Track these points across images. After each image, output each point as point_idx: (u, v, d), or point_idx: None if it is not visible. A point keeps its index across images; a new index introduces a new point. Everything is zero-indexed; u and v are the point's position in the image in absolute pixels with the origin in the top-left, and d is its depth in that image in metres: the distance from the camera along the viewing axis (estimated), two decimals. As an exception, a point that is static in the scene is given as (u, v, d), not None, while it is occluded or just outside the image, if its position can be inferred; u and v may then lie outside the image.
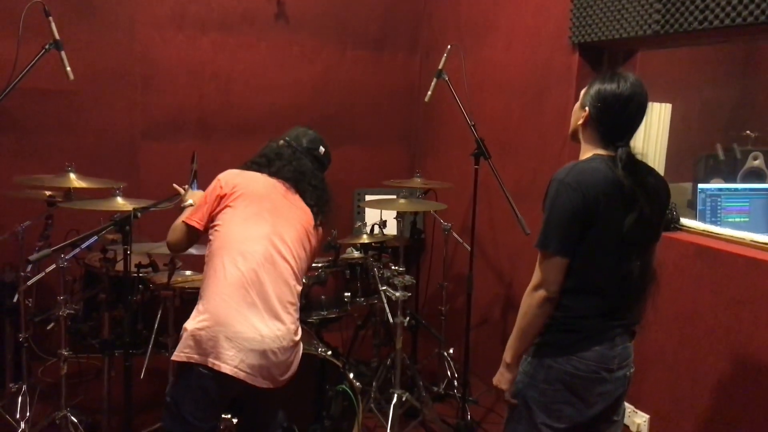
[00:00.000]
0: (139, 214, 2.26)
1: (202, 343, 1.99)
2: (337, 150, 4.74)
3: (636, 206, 1.83)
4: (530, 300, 1.86)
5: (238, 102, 4.30)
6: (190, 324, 2.04)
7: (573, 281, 1.85)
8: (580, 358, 1.89)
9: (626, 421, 2.80)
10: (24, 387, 2.97)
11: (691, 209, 4.16)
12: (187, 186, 2.57)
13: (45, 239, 2.99)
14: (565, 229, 1.81)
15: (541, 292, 1.84)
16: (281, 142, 2.46)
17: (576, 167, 1.86)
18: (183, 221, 2.25)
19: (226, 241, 2.14)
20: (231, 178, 2.30)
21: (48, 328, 2.73)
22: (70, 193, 2.89)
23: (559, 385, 1.90)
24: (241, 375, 1.98)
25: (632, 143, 1.92)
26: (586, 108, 1.91)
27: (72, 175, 2.87)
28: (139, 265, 2.76)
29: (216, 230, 2.18)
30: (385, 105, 4.74)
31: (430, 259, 4.34)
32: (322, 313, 3.01)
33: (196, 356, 1.99)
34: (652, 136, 4.45)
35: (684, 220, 2.78)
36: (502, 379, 1.97)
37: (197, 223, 2.22)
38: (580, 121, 1.94)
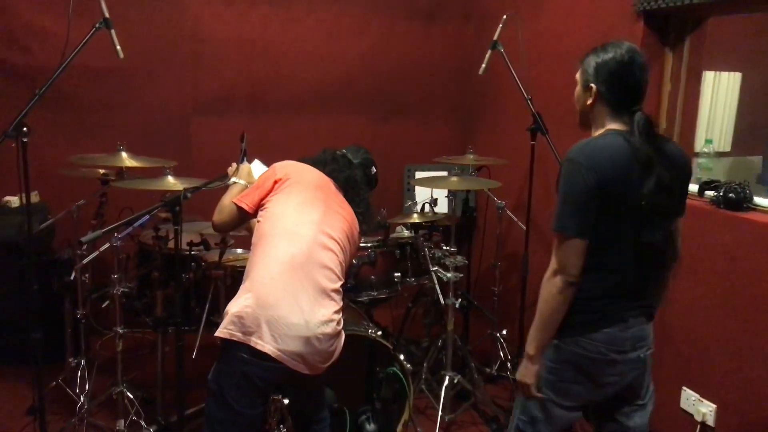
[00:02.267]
0: (189, 195, 2.24)
1: (245, 322, 1.97)
2: (386, 125, 4.76)
3: (653, 171, 1.77)
4: (550, 287, 1.81)
5: (287, 77, 4.25)
6: (234, 305, 2.02)
7: (588, 260, 1.79)
8: (589, 340, 1.86)
9: (691, 409, 2.67)
10: (83, 362, 3.04)
11: (761, 185, 3.92)
12: (234, 164, 2.55)
13: (99, 217, 3.02)
14: (582, 209, 1.76)
15: (561, 278, 1.78)
16: (338, 152, 2.47)
17: (588, 144, 1.83)
18: (233, 202, 2.22)
19: (276, 224, 2.11)
20: (287, 165, 2.31)
21: (103, 306, 2.77)
22: (122, 173, 2.90)
23: (568, 365, 1.89)
24: (283, 358, 1.95)
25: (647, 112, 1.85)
26: (592, 86, 1.87)
27: (124, 154, 2.89)
28: (190, 244, 2.76)
29: (266, 212, 2.16)
30: (436, 78, 4.60)
31: (482, 238, 4.24)
32: (372, 293, 2.97)
33: (239, 334, 1.97)
34: (720, 107, 4.21)
35: (758, 199, 2.59)
36: (527, 372, 1.91)
37: (247, 206, 2.20)
38: (590, 101, 1.89)
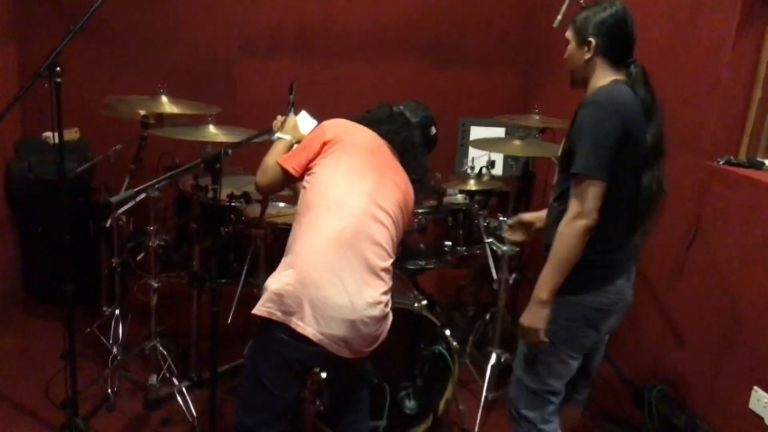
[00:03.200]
0: (230, 152, 2.05)
1: (286, 300, 1.80)
2: (443, 73, 4.46)
3: (653, 117, 1.92)
4: (571, 230, 1.83)
5: (340, 17, 3.98)
6: (273, 281, 1.84)
7: (602, 210, 1.83)
8: (605, 293, 1.95)
9: (762, 412, 2.44)
10: (117, 312, 2.96)
11: None
12: (280, 116, 2.33)
13: (138, 162, 2.87)
14: (608, 152, 1.81)
15: (584, 221, 1.82)
16: (395, 108, 2.21)
17: (606, 90, 1.90)
18: (278, 162, 2.02)
19: (324, 192, 1.91)
20: (337, 125, 2.07)
21: (138, 258, 2.65)
22: (162, 118, 2.72)
23: (582, 321, 1.95)
24: (325, 342, 1.78)
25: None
26: (590, 40, 1.94)
27: (164, 99, 2.69)
28: (231, 196, 2.59)
29: (313, 178, 1.95)
30: (499, 25, 4.25)
31: (542, 205, 3.97)
32: (420, 262, 2.78)
33: (278, 313, 1.80)
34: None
35: None
36: (537, 318, 1.91)
37: (293, 169, 1.99)
38: (587, 56, 1.96)
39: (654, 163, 1.94)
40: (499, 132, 4.11)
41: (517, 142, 2.96)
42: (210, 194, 2.08)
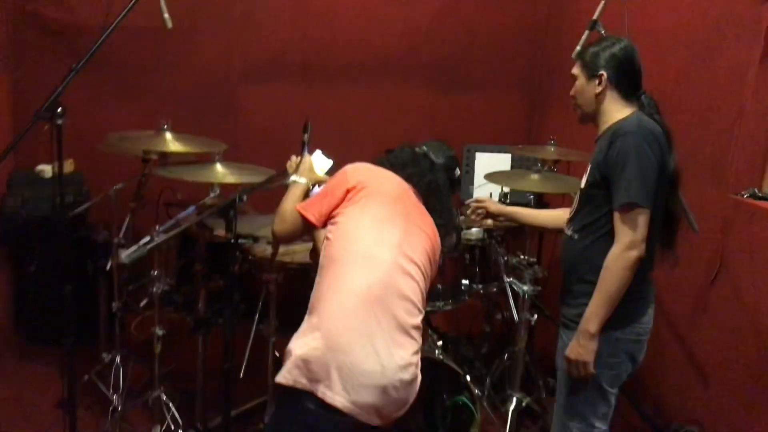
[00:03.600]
0: (245, 197, 1.92)
1: (312, 366, 1.66)
2: (447, 98, 4.35)
3: (673, 145, 1.97)
4: (624, 262, 1.82)
5: (344, 42, 3.87)
6: (298, 345, 1.70)
7: None
8: (641, 325, 1.96)
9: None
10: (117, 358, 2.80)
11: None
12: (294, 157, 2.21)
13: (139, 199, 2.73)
14: (652, 181, 1.83)
15: (635, 253, 1.82)
16: (418, 149, 2.10)
17: (638, 121, 1.92)
18: (297, 210, 1.90)
19: (350, 244, 1.79)
20: (361, 170, 1.96)
21: (140, 305, 2.51)
22: (165, 156, 2.59)
23: (623, 356, 1.95)
24: (355, 411, 1.65)
25: None
26: (602, 73, 1.96)
27: (168, 135, 2.55)
28: (236, 235, 2.46)
29: (337, 228, 1.83)
30: (506, 50, 4.16)
31: (554, 239, 3.87)
32: (438, 304, 2.65)
33: (303, 380, 1.67)
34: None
35: None
36: (584, 351, 1.89)
37: (314, 217, 1.87)
38: (599, 90, 1.97)
39: (677, 189, 2.01)
40: (505, 159, 4.00)
41: (534, 176, 2.84)
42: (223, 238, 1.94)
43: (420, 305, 1.81)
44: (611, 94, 1.98)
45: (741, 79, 2.62)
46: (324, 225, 1.87)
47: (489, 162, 4.00)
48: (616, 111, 1.96)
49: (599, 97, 1.98)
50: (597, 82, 1.97)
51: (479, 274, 2.80)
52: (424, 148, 2.11)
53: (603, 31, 2.59)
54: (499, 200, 2.99)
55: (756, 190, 2.65)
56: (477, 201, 2.46)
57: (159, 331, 2.48)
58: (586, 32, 2.65)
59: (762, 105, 2.62)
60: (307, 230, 1.92)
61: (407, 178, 1.99)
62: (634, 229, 1.81)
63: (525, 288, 2.56)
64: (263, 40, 3.73)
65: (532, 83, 4.22)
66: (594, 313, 1.87)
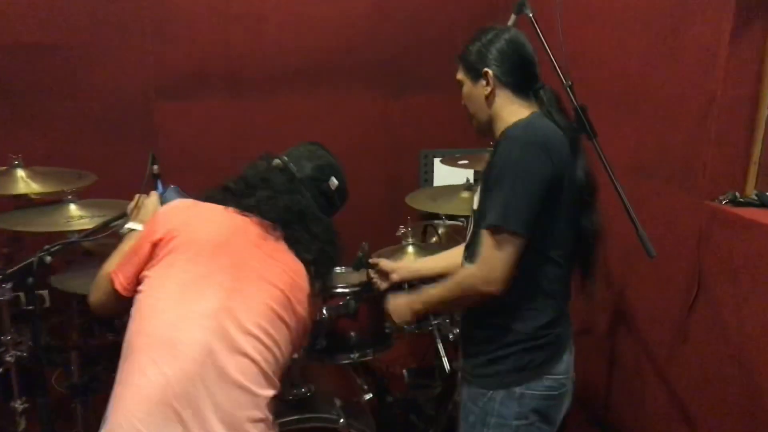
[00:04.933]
0: (48, 259, 1.49)
1: None
2: (398, 101, 3.87)
3: (580, 149, 1.69)
4: (472, 291, 1.58)
5: (272, 47, 3.45)
6: None
7: (535, 272, 1.59)
8: (555, 376, 1.67)
9: None
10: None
11: None
12: (138, 195, 1.77)
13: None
14: (534, 201, 1.54)
15: (489, 289, 1.54)
16: (276, 161, 1.66)
17: (532, 124, 1.65)
18: (109, 273, 1.47)
19: (146, 325, 1.35)
20: (174, 213, 1.50)
21: None
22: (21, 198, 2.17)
23: (534, 416, 1.66)
24: None
25: None
26: (486, 70, 1.71)
27: (21, 173, 2.13)
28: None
29: (137, 302, 1.39)
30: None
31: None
32: (352, 356, 2.21)
33: None
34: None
35: None
36: (407, 312, 1.79)
37: (121, 285, 1.43)
38: (488, 91, 1.71)
39: (590, 202, 1.71)
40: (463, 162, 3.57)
41: (465, 195, 2.38)
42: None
43: (264, 385, 1.38)
44: (503, 93, 1.71)
45: (710, 59, 2.16)
46: (133, 294, 1.43)
47: (449, 168, 3.59)
48: (511, 113, 1.69)
49: (489, 99, 1.72)
50: (484, 82, 1.71)
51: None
52: (285, 157, 1.67)
53: (531, 15, 2.13)
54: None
55: (737, 195, 2.18)
56: (378, 270, 2.11)
57: (18, 405, 2.08)
58: (513, 17, 2.18)
59: (736, 90, 2.15)
60: (122, 302, 1.47)
61: (252, 209, 1.54)
62: (497, 259, 1.52)
63: (457, 331, 2.11)
64: (179, 51, 3.32)
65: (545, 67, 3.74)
66: (426, 301, 1.76)
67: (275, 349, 1.42)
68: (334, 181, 1.71)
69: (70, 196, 2.04)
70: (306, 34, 3.47)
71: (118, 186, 2.16)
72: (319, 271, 1.59)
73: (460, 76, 1.81)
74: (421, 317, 1.89)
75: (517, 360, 1.62)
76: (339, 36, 3.53)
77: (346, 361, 2.20)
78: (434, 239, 2.40)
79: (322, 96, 3.58)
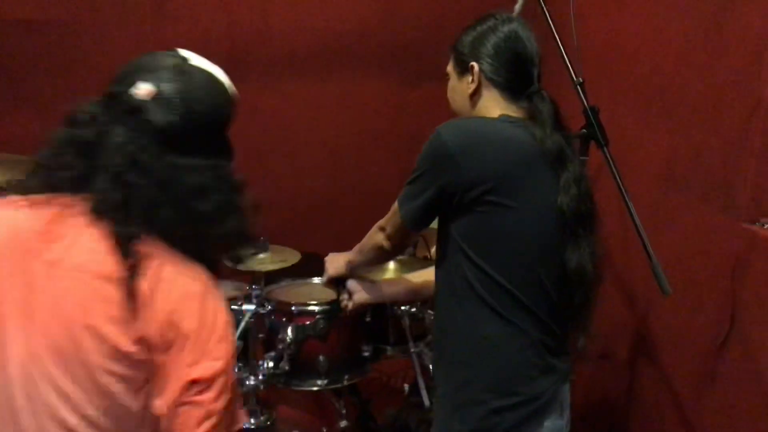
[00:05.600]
0: None
1: None
2: (416, 89, 3.61)
3: (567, 167, 1.43)
4: (372, 240, 1.70)
5: (279, 27, 3.19)
6: None
7: (495, 302, 1.40)
8: None
9: None
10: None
11: None
12: None
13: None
14: (426, 205, 1.46)
15: (381, 238, 1.64)
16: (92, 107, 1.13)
17: (471, 126, 1.49)
18: None
19: None
20: None
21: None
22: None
23: None
24: None
25: None
26: (472, 64, 1.52)
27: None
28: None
29: None
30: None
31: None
32: (319, 382, 1.97)
33: None
34: None
35: None
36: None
37: None
38: (472, 87, 1.52)
39: (582, 233, 1.44)
40: None
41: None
42: None
43: None
44: (489, 93, 1.50)
45: (758, 59, 1.81)
46: None
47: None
48: (490, 113, 1.50)
49: (474, 98, 1.52)
50: (470, 78, 1.52)
51: (393, 332, 2.11)
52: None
53: (542, -1, 1.82)
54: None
55: (781, 217, 1.86)
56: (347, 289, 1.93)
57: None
58: (520, 0, 1.89)
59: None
60: None
61: (31, 191, 1.04)
62: (390, 220, 1.60)
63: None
64: (180, 30, 3.12)
65: (556, 62, 3.42)
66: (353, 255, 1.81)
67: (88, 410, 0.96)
68: (140, 87, 1.04)
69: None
70: (316, 14, 3.22)
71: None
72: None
73: (449, 68, 1.64)
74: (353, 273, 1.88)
75: (481, 421, 1.38)
76: (352, 17, 3.26)
77: (313, 388, 1.96)
78: (425, 254, 2.13)
79: (333, 82, 3.33)
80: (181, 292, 0.99)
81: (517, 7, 1.95)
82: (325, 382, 1.97)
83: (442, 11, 3.34)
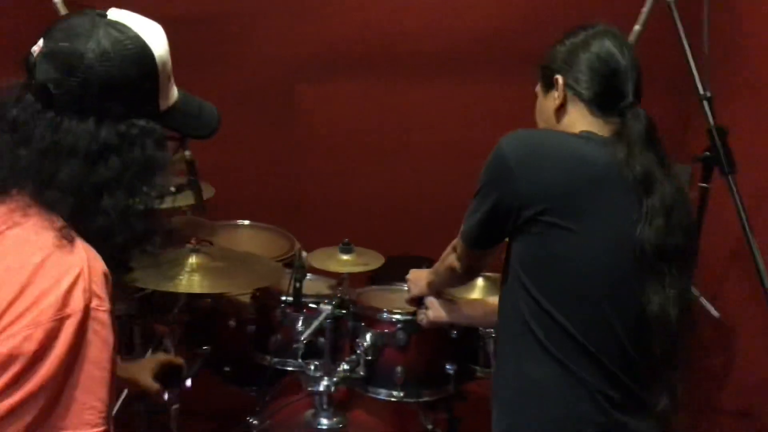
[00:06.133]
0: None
1: None
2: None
3: (655, 191, 1.23)
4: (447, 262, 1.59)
5: (415, 29, 3.13)
6: None
7: (550, 341, 1.23)
8: None
9: None
10: None
11: None
12: None
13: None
14: (486, 223, 1.35)
15: (455, 263, 1.52)
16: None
17: (535, 135, 1.41)
18: None
19: None
20: None
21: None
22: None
23: None
24: None
25: None
26: (557, 78, 1.39)
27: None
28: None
29: None
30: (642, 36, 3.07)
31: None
32: (395, 393, 1.90)
33: None
34: None
35: None
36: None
37: None
38: (557, 102, 1.39)
39: (667, 271, 1.22)
40: None
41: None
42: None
43: None
44: (575, 108, 1.35)
45: None
46: None
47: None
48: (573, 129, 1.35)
49: (559, 113, 1.38)
50: (555, 93, 1.39)
51: (482, 355, 1.98)
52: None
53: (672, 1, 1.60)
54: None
55: None
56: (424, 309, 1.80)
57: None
58: (648, 3, 1.67)
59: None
60: None
61: None
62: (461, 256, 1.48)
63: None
64: (319, 30, 3.18)
65: (680, 72, 3.07)
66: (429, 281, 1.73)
67: None
68: (36, 45, 1.01)
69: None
70: (453, 17, 3.12)
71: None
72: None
73: (537, 89, 1.54)
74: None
75: None
76: (493, 18, 3.10)
77: (390, 399, 1.89)
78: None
79: (468, 86, 3.19)
80: (14, 259, 0.92)
81: (644, 13, 1.73)
82: (401, 394, 1.88)
83: (591, 12, 3.10)
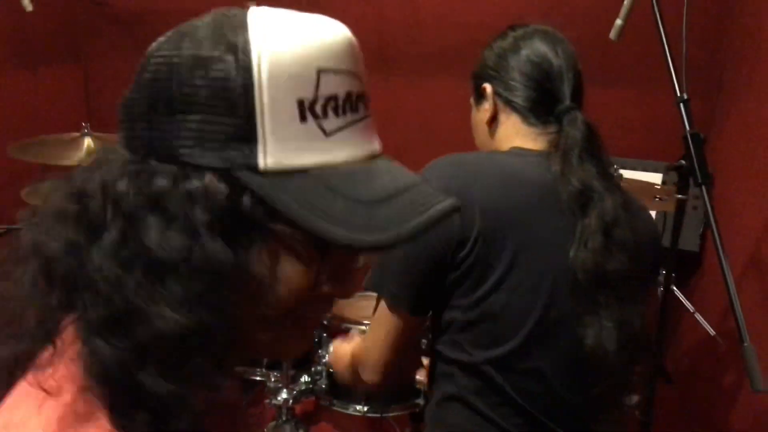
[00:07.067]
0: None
1: None
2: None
3: (591, 209, 1.07)
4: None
5: (430, 23, 3.07)
6: None
7: (467, 390, 1.08)
8: None
9: None
10: None
11: None
12: None
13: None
14: (417, 271, 1.11)
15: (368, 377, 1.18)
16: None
17: (464, 160, 1.19)
18: None
19: None
20: None
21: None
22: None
23: None
24: None
25: None
26: (485, 86, 1.28)
27: (88, 142, 2.13)
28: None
29: None
30: (669, 22, 2.85)
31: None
32: (358, 407, 1.81)
33: None
34: None
35: None
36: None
37: None
38: (488, 114, 1.27)
39: (604, 302, 1.07)
40: (656, 179, 2.90)
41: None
42: None
43: None
44: (507, 119, 1.23)
45: None
46: None
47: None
48: (504, 145, 1.23)
49: (492, 126, 1.26)
50: (485, 104, 1.28)
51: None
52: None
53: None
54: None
55: None
56: None
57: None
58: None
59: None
60: None
61: None
62: (370, 336, 1.20)
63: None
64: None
65: (711, 72, 2.84)
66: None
67: None
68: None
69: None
70: (470, 12, 3.03)
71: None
72: None
73: (471, 100, 1.41)
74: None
75: None
76: (509, 12, 2.99)
77: (352, 412, 1.80)
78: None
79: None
80: None
81: (619, 22, 1.59)
82: (365, 408, 1.79)
83: (615, 4, 2.91)
